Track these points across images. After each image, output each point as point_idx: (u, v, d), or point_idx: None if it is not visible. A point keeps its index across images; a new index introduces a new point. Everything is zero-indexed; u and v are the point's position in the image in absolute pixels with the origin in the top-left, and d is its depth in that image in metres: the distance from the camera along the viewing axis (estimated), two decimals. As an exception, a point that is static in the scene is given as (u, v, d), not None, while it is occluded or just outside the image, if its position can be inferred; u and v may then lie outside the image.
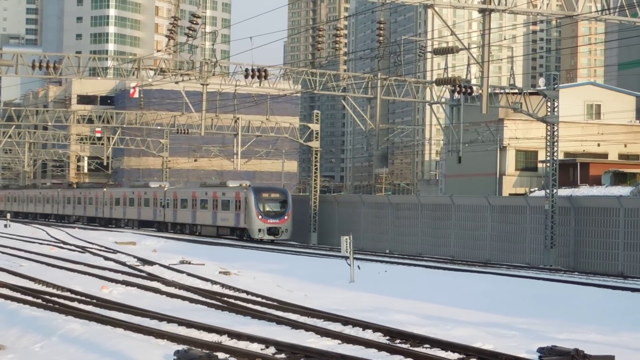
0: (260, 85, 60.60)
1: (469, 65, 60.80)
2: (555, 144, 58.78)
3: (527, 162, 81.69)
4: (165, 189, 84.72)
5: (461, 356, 19.91)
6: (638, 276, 43.00)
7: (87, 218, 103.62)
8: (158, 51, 74.30)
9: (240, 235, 70.97)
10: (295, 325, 24.08)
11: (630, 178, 73.89)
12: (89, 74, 70.56)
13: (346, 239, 38.75)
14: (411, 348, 20.68)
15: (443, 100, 65.82)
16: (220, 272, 40.77)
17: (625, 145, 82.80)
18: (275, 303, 29.07)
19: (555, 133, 58.46)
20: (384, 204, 67.27)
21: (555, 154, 59.51)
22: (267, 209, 68.97)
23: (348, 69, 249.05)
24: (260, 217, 68.59)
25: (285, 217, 69.07)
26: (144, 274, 39.21)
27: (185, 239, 71.98)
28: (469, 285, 35.53)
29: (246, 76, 59.67)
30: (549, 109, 57.06)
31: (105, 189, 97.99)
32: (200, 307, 28.56)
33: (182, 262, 45.76)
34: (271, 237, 68.11)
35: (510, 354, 19.50)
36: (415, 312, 27.86)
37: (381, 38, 57.44)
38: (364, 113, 66.56)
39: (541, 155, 72.95)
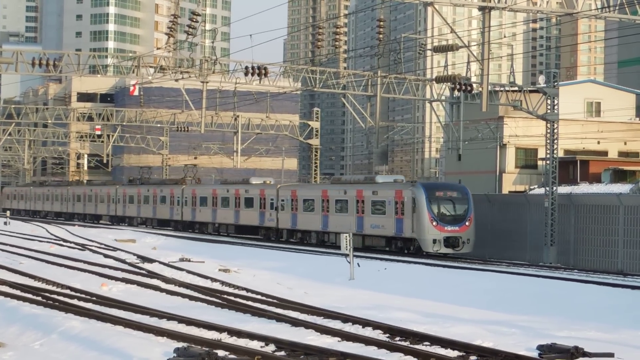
0: (260, 82, 60.57)
1: (469, 62, 60.79)
2: (555, 141, 58.76)
3: (527, 159, 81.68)
4: (279, 186, 68.22)
5: (461, 354, 19.91)
6: (637, 274, 42.99)
7: (157, 221, 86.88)
8: (158, 49, 74.51)
9: (403, 247, 54.32)
10: (295, 322, 24.08)
11: (630, 176, 73.86)
12: (89, 72, 70.66)
13: (346, 237, 38.75)
14: (411, 345, 20.68)
15: (443, 97, 65.79)
16: (220, 270, 40.77)
17: (625, 143, 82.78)
18: (275, 300, 29.07)
19: (555, 131, 58.44)
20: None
21: (555, 151, 59.50)
22: (444, 212, 52.68)
23: (348, 67, 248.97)
24: (434, 223, 51.91)
25: (467, 223, 52.62)
26: (143, 272, 39.21)
27: (186, 236, 71.81)
28: (469, 283, 35.54)
29: (246, 74, 59.66)
30: (548, 107, 57.04)
31: (184, 186, 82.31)
32: (200, 305, 28.55)
33: (182, 260, 45.76)
34: (449, 251, 51.81)
35: (510, 351, 19.51)
36: (415, 310, 27.86)
37: (381, 36, 57.45)
38: (364, 110, 66.54)
39: (541, 153, 72.95)
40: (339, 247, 51.32)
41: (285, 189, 66.13)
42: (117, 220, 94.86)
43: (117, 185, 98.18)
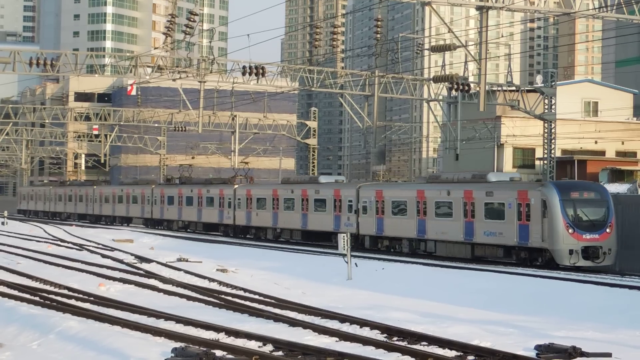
0: (257, 82, 60.66)
1: (466, 62, 60.87)
2: (553, 141, 58.85)
3: (525, 159, 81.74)
4: (359, 185, 59.36)
5: (459, 354, 19.91)
6: (634, 273, 42.98)
7: (203, 225, 78.43)
8: (155, 49, 74.48)
9: (527, 258, 45.96)
10: (292, 322, 24.07)
11: (627, 175, 73.90)
12: (87, 72, 70.68)
13: (343, 237, 38.76)
14: (409, 345, 20.67)
15: (440, 97, 65.90)
16: (217, 270, 40.75)
17: (623, 143, 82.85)
18: (272, 301, 29.06)
19: (553, 130, 58.53)
20: None
21: (552, 151, 59.57)
22: (581, 216, 44.56)
23: (345, 67, 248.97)
24: (570, 230, 44.03)
25: (608, 230, 44.61)
26: (141, 272, 39.19)
27: (183, 236, 71.73)
28: (466, 283, 35.53)
29: (243, 73, 59.74)
30: (546, 107, 57.11)
31: (236, 186, 72.89)
32: (198, 305, 28.54)
33: (179, 260, 45.73)
34: (588, 263, 43.97)
35: (507, 351, 19.50)
36: (413, 310, 27.85)
37: (378, 35, 57.50)
38: (362, 110, 66.59)
39: (538, 153, 73.05)
40: (438, 257, 48.98)
41: (368, 189, 57.34)
42: (153, 224, 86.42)
43: (152, 184, 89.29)
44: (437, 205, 51.11)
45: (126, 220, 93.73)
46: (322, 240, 61.50)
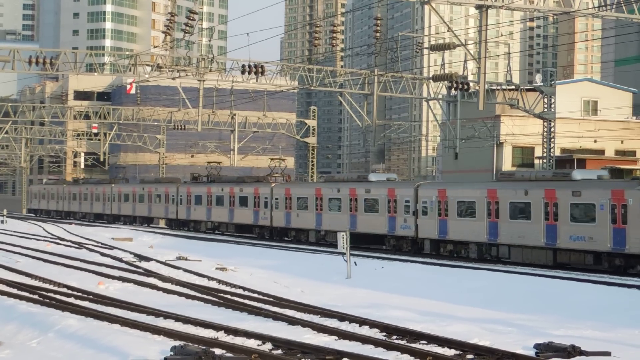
0: (257, 81, 60.64)
1: (465, 61, 60.84)
2: (552, 140, 58.87)
3: (524, 158, 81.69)
4: (418, 184, 54.20)
5: (458, 352, 19.91)
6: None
7: (235, 226, 73.17)
8: (155, 47, 74.42)
9: (623, 266, 41.43)
10: (292, 321, 24.08)
11: (627, 174, 73.84)
12: (86, 70, 70.68)
13: (343, 235, 38.77)
14: (408, 344, 20.68)
15: (440, 96, 65.88)
16: (216, 268, 40.77)
17: (622, 142, 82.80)
18: (271, 299, 29.07)
19: (552, 129, 58.54)
20: None
21: (552, 150, 59.59)
22: None
23: (345, 65, 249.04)
24: None
25: None
26: (140, 270, 39.19)
27: (182, 235, 71.68)
28: (465, 282, 35.54)
29: (243, 72, 59.73)
30: (545, 105, 57.11)
31: (273, 184, 67.82)
32: (197, 303, 28.55)
33: (178, 259, 45.75)
34: None
35: (506, 350, 19.51)
36: (412, 309, 27.85)
37: (378, 34, 57.50)
38: (361, 109, 66.57)
39: (538, 152, 72.98)
40: (506, 262, 45.49)
41: (428, 188, 52.56)
42: (178, 225, 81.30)
43: (177, 183, 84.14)
44: (512, 206, 46.60)
45: (147, 221, 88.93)
46: (372, 244, 57.01)
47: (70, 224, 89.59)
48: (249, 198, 69.25)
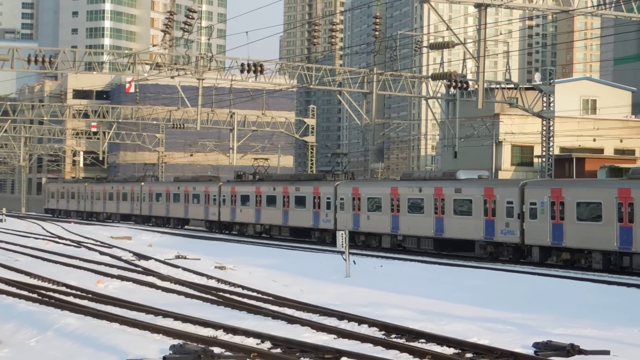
0: (256, 80, 60.62)
1: (464, 60, 60.83)
2: (551, 139, 58.87)
3: (523, 157, 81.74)
4: (523, 182, 47.93)
5: (457, 351, 19.91)
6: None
7: (290, 229, 65.74)
8: (154, 46, 74.32)
9: None
10: (290, 320, 24.08)
11: (625, 173, 73.92)
12: (85, 69, 70.60)
13: (342, 234, 38.78)
14: (407, 343, 20.68)
15: (439, 95, 65.88)
16: (215, 267, 40.77)
17: (621, 140, 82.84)
18: (270, 298, 29.07)
19: (551, 128, 58.54)
20: None
21: (551, 149, 59.60)
22: None
23: (344, 64, 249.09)
24: None
25: None
26: (139, 269, 39.20)
27: (181, 233, 71.70)
28: (464, 281, 35.56)
29: (242, 71, 59.71)
30: (544, 104, 57.11)
31: (337, 183, 61.05)
32: (196, 302, 28.56)
33: (177, 257, 45.75)
34: None
35: (505, 349, 19.51)
36: (411, 307, 27.86)
37: (377, 33, 57.49)
38: (360, 108, 66.56)
39: (537, 150, 72.99)
40: (587, 269, 41.84)
41: (538, 188, 45.99)
42: (220, 228, 74.85)
43: (220, 182, 76.28)
44: (579, 208, 42.88)
45: (183, 223, 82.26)
46: (460, 250, 51.42)
47: (70, 222, 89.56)
48: (307, 198, 62.96)
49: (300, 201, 63.36)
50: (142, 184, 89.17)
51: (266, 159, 78.41)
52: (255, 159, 79.59)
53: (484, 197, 48.33)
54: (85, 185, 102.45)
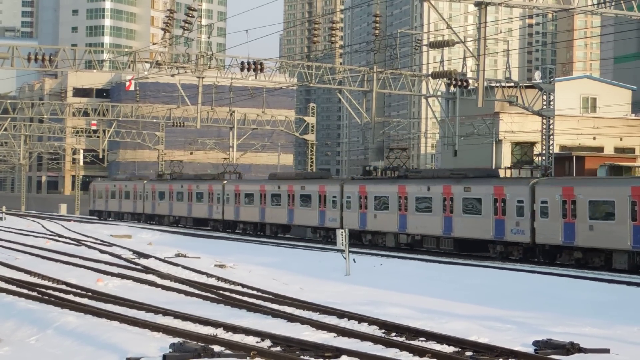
0: (256, 78, 60.60)
1: (464, 58, 60.82)
2: (551, 137, 58.83)
3: (523, 155, 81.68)
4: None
5: (457, 349, 19.91)
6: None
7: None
8: (154, 44, 74.30)
9: None
10: (290, 318, 24.08)
11: (625, 172, 73.85)
12: (85, 67, 70.59)
13: (342, 232, 38.78)
14: (406, 341, 20.68)
15: (439, 93, 65.86)
16: (215, 265, 40.77)
17: (621, 139, 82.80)
18: (270, 296, 29.07)
19: (551, 126, 58.50)
20: None
21: (551, 147, 59.55)
22: None
23: (344, 62, 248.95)
24: None
25: None
26: (139, 267, 39.20)
27: (181, 232, 71.75)
28: (464, 279, 35.56)
29: (242, 69, 59.69)
30: (544, 103, 57.09)
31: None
32: (196, 300, 28.56)
33: (177, 256, 45.74)
34: None
35: (505, 347, 19.51)
36: (411, 306, 27.85)
37: (377, 31, 57.51)
38: (360, 106, 66.54)
39: (537, 149, 72.89)
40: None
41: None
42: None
43: (343, 180, 62.39)
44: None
45: (285, 230, 67.95)
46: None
47: (69, 220, 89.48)
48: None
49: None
50: (225, 182, 74.25)
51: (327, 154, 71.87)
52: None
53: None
54: (144, 183, 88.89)
